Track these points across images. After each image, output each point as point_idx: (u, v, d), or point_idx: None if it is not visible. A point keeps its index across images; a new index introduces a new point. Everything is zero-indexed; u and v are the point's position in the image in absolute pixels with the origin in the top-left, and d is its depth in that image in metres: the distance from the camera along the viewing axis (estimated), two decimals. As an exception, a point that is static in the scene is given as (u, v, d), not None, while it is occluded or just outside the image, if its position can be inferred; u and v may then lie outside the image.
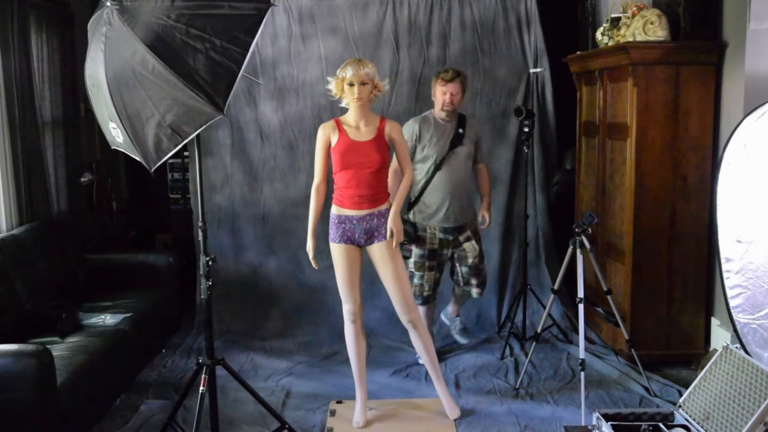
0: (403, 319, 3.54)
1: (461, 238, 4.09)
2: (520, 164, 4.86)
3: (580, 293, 3.57)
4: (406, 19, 4.87)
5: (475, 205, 4.30)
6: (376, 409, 3.71)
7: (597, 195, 4.60)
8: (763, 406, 2.74)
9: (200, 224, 3.06)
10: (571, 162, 5.20)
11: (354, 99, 3.32)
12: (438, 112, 4.01)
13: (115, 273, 4.73)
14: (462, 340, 4.46)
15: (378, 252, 3.45)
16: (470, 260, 4.11)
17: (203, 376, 3.08)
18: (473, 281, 4.17)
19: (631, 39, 4.04)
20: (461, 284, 4.21)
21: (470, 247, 4.11)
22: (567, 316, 4.81)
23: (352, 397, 3.70)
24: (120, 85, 2.71)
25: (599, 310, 4.48)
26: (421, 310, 4.09)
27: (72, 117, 5.03)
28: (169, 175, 5.90)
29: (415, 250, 4.08)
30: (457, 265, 4.16)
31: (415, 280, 4.09)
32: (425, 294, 4.12)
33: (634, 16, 4.08)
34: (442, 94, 3.94)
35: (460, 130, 4.02)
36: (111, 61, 2.70)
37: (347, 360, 3.69)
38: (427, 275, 4.09)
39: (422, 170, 4.02)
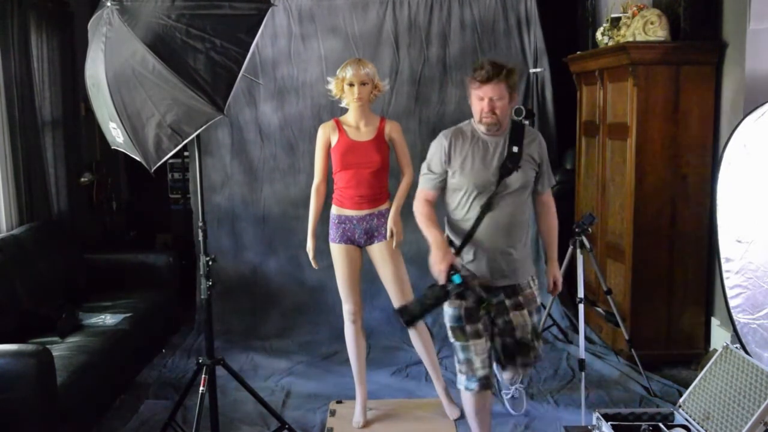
0: (403, 319, 3.54)
1: (508, 304, 2.88)
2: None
3: (580, 293, 3.57)
4: (406, 19, 4.87)
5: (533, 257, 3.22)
6: (376, 409, 3.71)
7: (597, 195, 4.60)
8: (763, 406, 2.74)
9: (200, 224, 3.06)
10: (571, 162, 5.20)
11: (354, 99, 3.32)
12: (477, 124, 2.83)
13: (115, 273, 4.73)
14: (512, 410, 3.57)
15: (378, 252, 3.45)
16: (518, 333, 2.90)
17: (203, 376, 3.08)
18: (518, 359, 2.94)
19: (631, 39, 4.04)
20: (496, 361, 2.98)
21: (519, 320, 2.89)
22: (567, 316, 4.81)
23: (352, 397, 3.70)
24: (120, 85, 2.71)
25: (599, 310, 4.48)
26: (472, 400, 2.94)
27: (72, 117, 5.02)
28: (169, 175, 5.90)
29: (447, 310, 2.88)
30: (498, 337, 2.92)
31: (459, 355, 2.88)
32: (479, 374, 2.84)
33: (634, 16, 4.08)
34: (478, 99, 2.75)
35: (515, 149, 2.79)
36: (111, 61, 2.70)
37: (347, 360, 3.69)
38: (474, 344, 2.84)
39: (457, 205, 2.87)
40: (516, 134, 2.83)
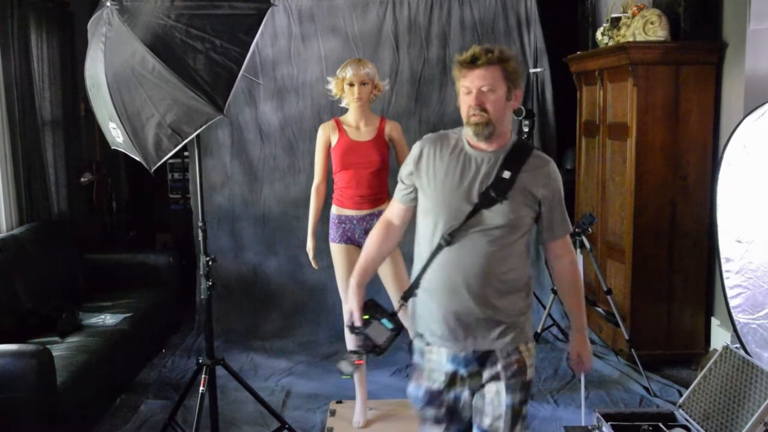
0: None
1: (485, 375, 2.17)
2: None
3: (580, 293, 3.57)
4: (406, 19, 4.87)
5: (528, 318, 2.24)
6: (376, 409, 3.71)
7: (597, 195, 4.60)
8: (763, 406, 2.74)
9: (200, 224, 3.06)
10: (571, 162, 5.20)
11: (354, 99, 3.32)
12: (466, 127, 2.13)
13: (115, 273, 4.73)
14: None
15: (378, 252, 3.44)
16: (487, 419, 2.17)
17: (203, 376, 3.08)
18: None
19: (631, 39, 4.04)
20: None
21: (493, 394, 2.16)
22: (567, 316, 4.80)
23: (352, 397, 3.70)
24: (120, 85, 2.71)
25: (599, 310, 4.48)
26: None
27: (72, 117, 5.02)
28: (169, 175, 5.90)
29: (410, 388, 2.28)
30: (475, 422, 2.23)
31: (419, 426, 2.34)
32: None
33: (634, 16, 4.09)
34: (465, 93, 2.10)
35: (505, 174, 2.10)
36: (111, 61, 2.70)
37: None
38: (430, 430, 2.25)
39: (424, 236, 2.19)
40: (515, 155, 2.13)
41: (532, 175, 2.12)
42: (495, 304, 2.12)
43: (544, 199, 2.13)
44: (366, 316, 2.18)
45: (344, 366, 2.16)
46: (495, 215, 2.08)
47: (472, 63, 2.06)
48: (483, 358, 2.15)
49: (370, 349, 2.16)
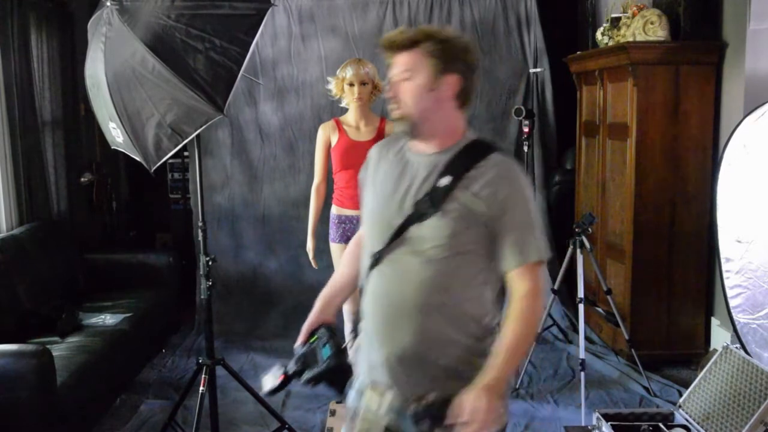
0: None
1: None
2: (520, 164, 4.86)
3: (580, 293, 3.57)
4: (406, 19, 4.87)
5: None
6: (376, 409, 3.71)
7: (597, 195, 4.60)
8: (763, 406, 2.74)
9: (200, 224, 3.06)
10: (571, 162, 5.20)
11: (354, 99, 3.33)
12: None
13: (115, 273, 4.73)
14: None
15: (378, 252, 3.44)
16: None
17: (203, 376, 3.08)
18: None
19: (631, 39, 4.04)
20: None
21: None
22: (567, 316, 4.81)
23: (352, 397, 3.70)
24: (120, 85, 2.72)
25: (599, 310, 4.48)
26: None
27: (72, 117, 5.02)
28: (169, 175, 5.90)
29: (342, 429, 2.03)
30: None
31: None
32: None
33: (634, 16, 4.09)
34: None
35: (443, 181, 1.69)
36: (111, 61, 2.70)
37: (347, 360, 3.69)
38: None
39: (363, 256, 1.84)
40: (463, 158, 1.71)
41: (480, 183, 1.67)
42: (441, 343, 1.70)
43: (488, 216, 1.66)
44: (313, 338, 1.90)
45: (266, 380, 1.90)
46: (427, 232, 1.67)
47: (389, 48, 1.72)
48: (437, 417, 1.62)
49: (295, 373, 1.86)
